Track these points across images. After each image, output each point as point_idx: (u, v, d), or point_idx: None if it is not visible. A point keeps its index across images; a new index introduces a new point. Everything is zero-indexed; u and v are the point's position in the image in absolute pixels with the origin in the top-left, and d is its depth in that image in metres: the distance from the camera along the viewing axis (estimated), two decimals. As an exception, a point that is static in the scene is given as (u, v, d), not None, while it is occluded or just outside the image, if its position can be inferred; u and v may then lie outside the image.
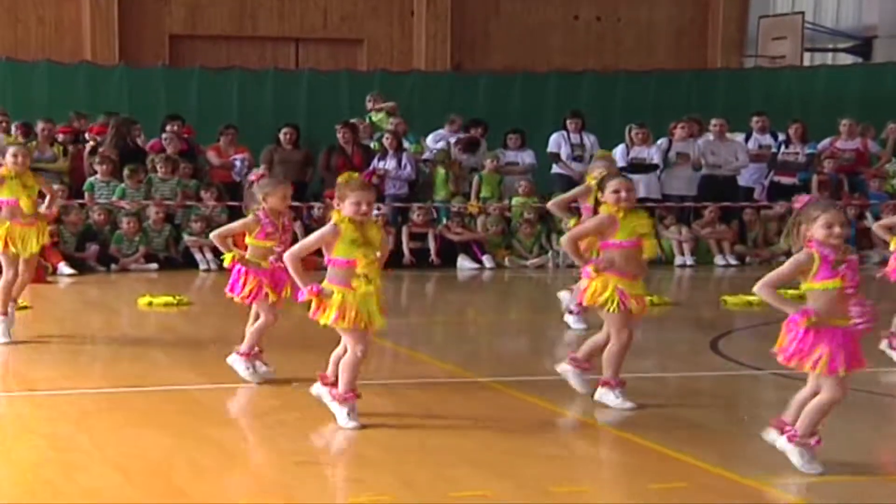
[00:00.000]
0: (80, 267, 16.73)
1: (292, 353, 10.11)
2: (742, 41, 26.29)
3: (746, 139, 19.90)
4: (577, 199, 11.85)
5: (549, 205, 12.48)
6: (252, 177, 9.61)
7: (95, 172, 18.20)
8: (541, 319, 13.93)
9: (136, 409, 8.68)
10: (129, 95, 21.03)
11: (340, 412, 7.81)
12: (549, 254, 18.41)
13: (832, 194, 19.25)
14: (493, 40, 25.08)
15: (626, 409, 8.53)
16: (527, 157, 19.69)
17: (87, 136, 19.04)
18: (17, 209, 10.94)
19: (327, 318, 7.68)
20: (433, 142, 19.86)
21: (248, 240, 9.27)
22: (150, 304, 13.76)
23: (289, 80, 22.05)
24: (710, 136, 19.39)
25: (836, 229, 6.76)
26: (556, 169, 19.53)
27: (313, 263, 8.39)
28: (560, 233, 18.52)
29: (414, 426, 7.37)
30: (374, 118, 20.11)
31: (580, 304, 8.41)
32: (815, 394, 6.93)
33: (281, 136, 18.98)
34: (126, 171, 18.07)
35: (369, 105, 20.41)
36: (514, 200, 19.04)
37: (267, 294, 9.13)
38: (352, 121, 19.60)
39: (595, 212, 8.96)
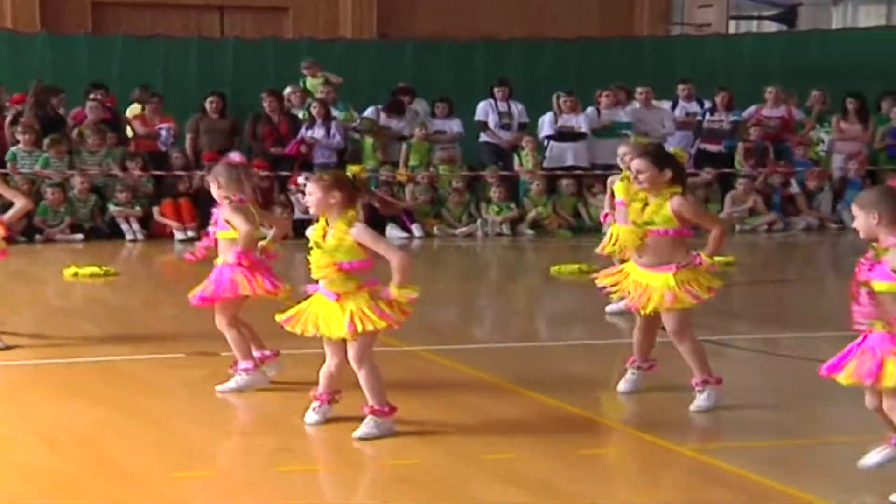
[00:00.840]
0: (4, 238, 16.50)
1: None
2: (668, 9, 26.40)
3: (673, 107, 20.01)
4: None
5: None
6: (236, 158, 8.56)
7: (17, 142, 17.96)
8: (469, 288, 13.98)
9: (63, 381, 8.61)
10: (51, 64, 20.75)
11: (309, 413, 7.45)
12: (478, 222, 18.43)
13: (758, 161, 19.44)
14: (420, 8, 25.01)
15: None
16: (454, 126, 19.67)
17: (7, 104, 18.77)
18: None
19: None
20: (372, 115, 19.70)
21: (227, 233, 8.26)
22: (75, 274, 13.64)
23: (214, 48, 21.88)
24: (637, 104, 19.48)
25: None
26: (483, 137, 19.55)
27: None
28: (488, 201, 18.59)
29: (344, 397, 7.35)
30: (308, 84, 19.97)
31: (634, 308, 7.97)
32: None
33: (207, 104, 18.82)
34: (47, 141, 17.85)
35: (305, 72, 20.23)
36: (440, 169, 19.04)
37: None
38: (289, 88, 19.41)
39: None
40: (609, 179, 10.66)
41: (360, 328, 6.92)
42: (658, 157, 7.77)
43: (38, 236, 17.06)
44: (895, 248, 5.98)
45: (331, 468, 6.71)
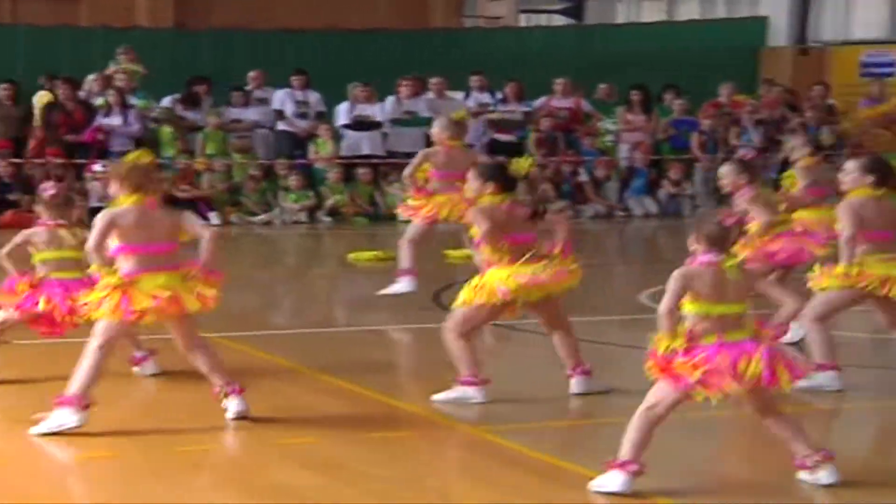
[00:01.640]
0: None
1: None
2: (460, 2, 26.81)
3: (465, 97, 20.42)
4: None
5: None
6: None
7: None
8: (267, 275, 14.13)
9: None
10: None
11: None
12: (276, 210, 18.58)
13: (549, 151, 19.98)
14: (217, -2, 24.91)
15: None
16: (251, 115, 19.76)
17: None
18: None
19: None
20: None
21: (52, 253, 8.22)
22: None
23: (5, 34, 21.48)
24: (431, 95, 19.86)
25: None
26: (281, 126, 19.70)
27: None
28: (286, 189, 18.75)
29: (142, 381, 7.50)
30: (123, 68, 19.71)
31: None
32: None
33: (-1, 92, 18.59)
34: None
35: (122, 57, 19.96)
36: (236, 157, 19.12)
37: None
38: (91, 76, 19.18)
39: None
40: None
41: None
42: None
43: None
44: None
45: (125, 455, 6.77)
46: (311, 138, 19.47)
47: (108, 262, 7.14)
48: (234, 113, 19.71)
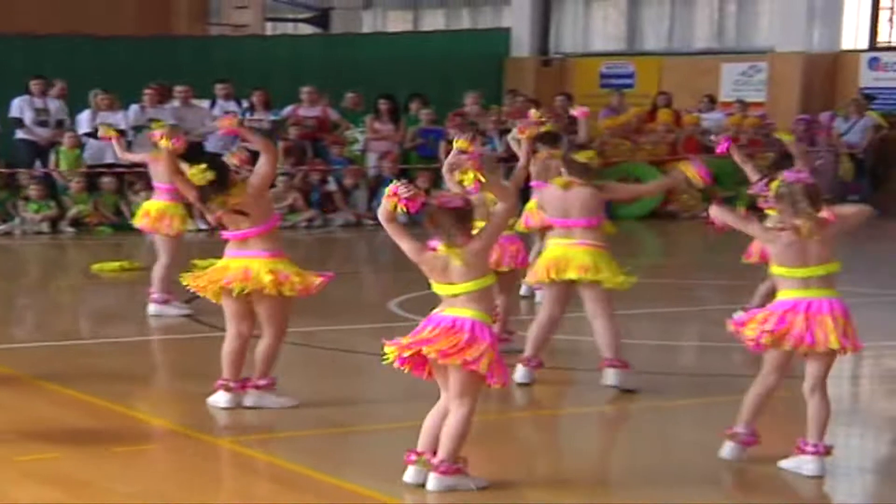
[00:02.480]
0: None
1: None
2: (205, 10, 26.57)
3: (211, 106, 20.23)
4: None
5: None
6: None
7: None
8: (7, 287, 13.70)
9: None
10: None
11: None
12: (16, 221, 18.04)
13: (298, 160, 19.94)
14: (-45, 1, 24.11)
15: None
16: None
17: None
18: None
19: None
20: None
21: None
22: None
23: None
24: (177, 103, 19.61)
25: None
26: (19, 134, 19.13)
27: None
28: (26, 199, 18.21)
29: None
30: None
31: None
32: None
33: None
34: None
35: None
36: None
37: None
38: None
39: None
40: None
41: None
42: None
43: None
44: None
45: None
46: (52, 147, 18.98)
47: None
48: (-31, 121, 19.09)
